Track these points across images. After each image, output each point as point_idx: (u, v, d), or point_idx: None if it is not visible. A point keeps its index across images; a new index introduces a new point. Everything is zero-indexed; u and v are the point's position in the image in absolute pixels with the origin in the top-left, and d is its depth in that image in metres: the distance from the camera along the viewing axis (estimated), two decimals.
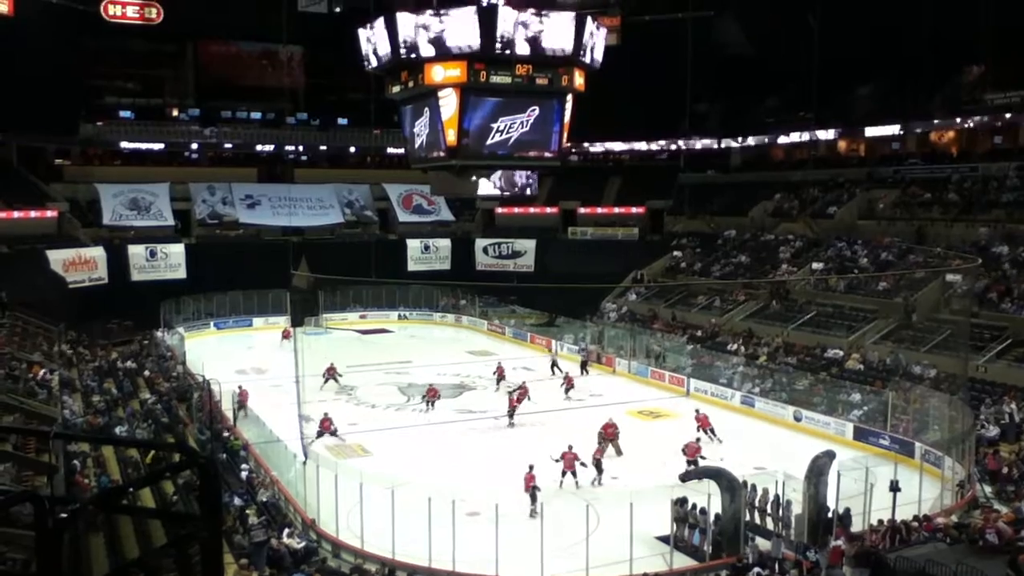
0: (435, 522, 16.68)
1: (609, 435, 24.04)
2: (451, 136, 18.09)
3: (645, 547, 17.38)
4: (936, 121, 43.54)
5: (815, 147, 50.37)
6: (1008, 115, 39.55)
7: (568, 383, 31.60)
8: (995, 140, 42.59)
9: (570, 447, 21.79)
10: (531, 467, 19.94)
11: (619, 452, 23.94)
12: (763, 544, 17.11)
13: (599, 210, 54.89)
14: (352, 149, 59.76)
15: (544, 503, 16.99)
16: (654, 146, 58.09)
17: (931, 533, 15.58)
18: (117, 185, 50.22)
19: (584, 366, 35.73)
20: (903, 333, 31.53)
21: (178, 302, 43.11)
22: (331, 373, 31.90)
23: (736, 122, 53.38)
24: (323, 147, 58.94)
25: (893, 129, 45.31)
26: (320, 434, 24.96)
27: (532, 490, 19.37)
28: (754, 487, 18.37)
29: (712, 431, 25.12)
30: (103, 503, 3.91)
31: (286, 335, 36.56)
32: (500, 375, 32.68)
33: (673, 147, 56.61)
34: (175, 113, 57.75)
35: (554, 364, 35.21)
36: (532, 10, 17.42)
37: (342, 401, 30.88)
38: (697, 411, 26.28)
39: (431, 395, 29.29)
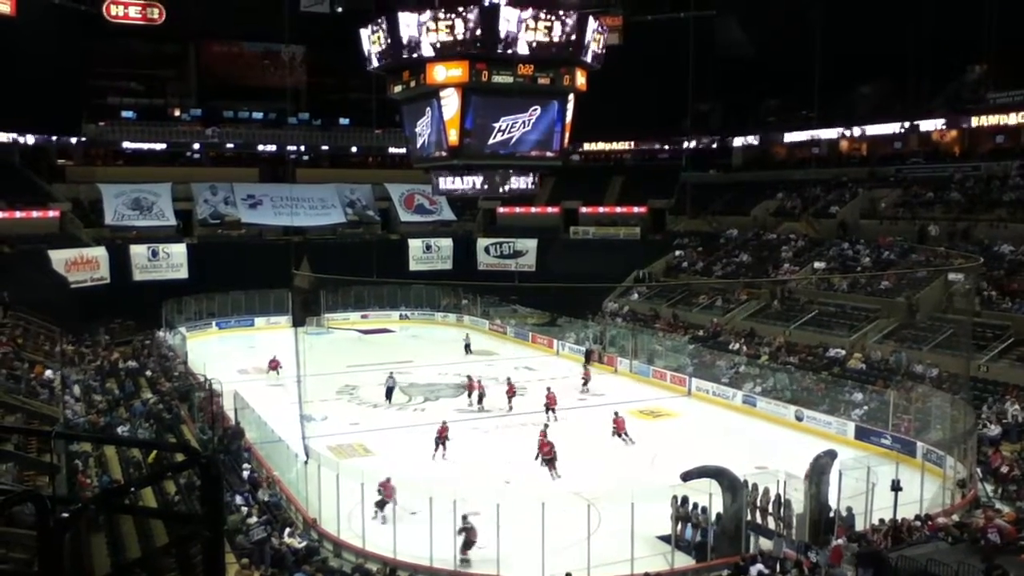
0: (436, 522, 16.70)
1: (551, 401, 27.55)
2: (453, 136, 18.11)
3: (646, 546, 17.39)
4: (938, 120, 43.47)
5: (817, 146, 50.33)
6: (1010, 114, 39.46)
7: (586, 377, 32.52)
8: (997, 139, 42.54)
9: (616, 413, 25.83)
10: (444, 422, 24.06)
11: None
12: (764, 543, 17.12)
13: (601, 210, 54.89)
14: (354, 149, 59.82)
15: (546, 503, 17.00)
16: (656, 146, 58.10)
17: (933, 532, 15.58)
18: (119, 185, 50.29)
19: (588, 357, 36.81)
20: (905, 332, 31.50)
21: (180, 302, 43.13)
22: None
23: (738, 121, 53.33)
24: (325, 147, 59.00)
25: (895, 128, 45.27)
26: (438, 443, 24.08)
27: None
28: (755, 486, 18.35)
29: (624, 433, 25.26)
30: (105, 503, 3.92)
31: (273, 366, 33.76)
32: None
33: (674, 146, 56.57)
34: (177, 113, 57.86)
35: (467, 347, 38.66)
36: (534, 10, 17.43)
37: (344, 401, 30.91)
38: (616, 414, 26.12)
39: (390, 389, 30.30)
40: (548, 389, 28.78)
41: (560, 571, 16.05)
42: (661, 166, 56.95)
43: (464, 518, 17.00)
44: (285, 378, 31.13)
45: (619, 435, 25.14)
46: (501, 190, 19.90)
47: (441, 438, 23.80)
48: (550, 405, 27.83)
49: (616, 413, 25.93)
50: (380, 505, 18.89)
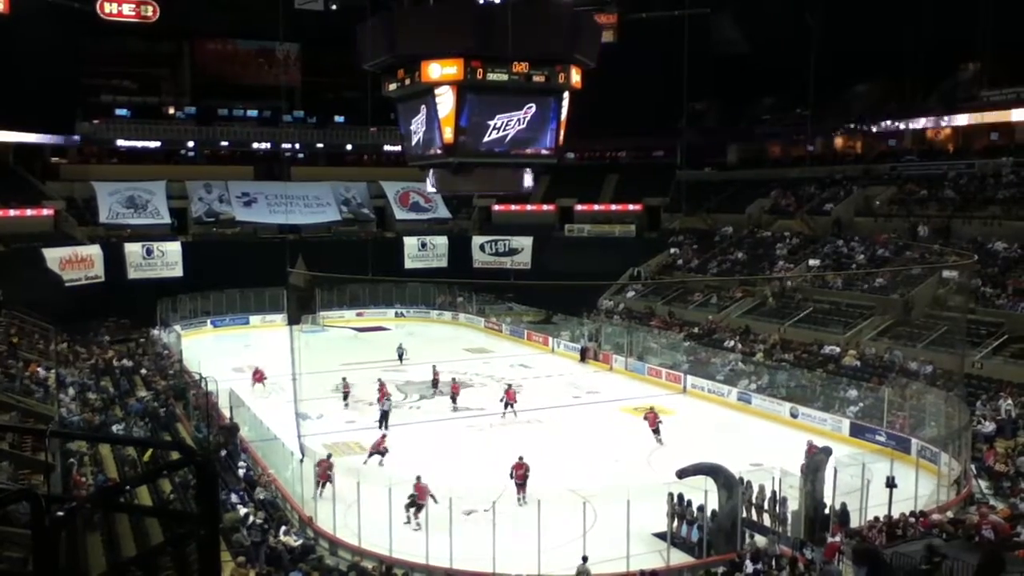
0: (432, 519, 16.70)
1: None
2: (448, 134, 18.04)
3: (642, 544, 17.42)
4: (932, 117, 43.57)
5: (812, 144, 50.36)
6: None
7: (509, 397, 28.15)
8: (991, 136, 42.65)
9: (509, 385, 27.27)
10: (520, 457, 20.66)
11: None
12: (760, 540, 17.15)
13: (596, 207, 54.91)
14: (349, 147, 59.72)
15: (542, 499, 17.01)
16: (651, 143, 58.08)
17: (927, 529, 15.62)
18: (114, 183, 50.18)
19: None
20: (900, 329, 31.59)
21: (175, 300, 43.07)
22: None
23: (733, 119, 53.34)
24: (320, 145, 58.90)
25: (889, 126, 45.32)
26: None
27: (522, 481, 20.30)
28: (751, 483, 18.41)
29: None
30: (100, 501, 3.91)
31: (258, 378, 31.99)
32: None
33: (669, 143, 56.56)
34: (171, 111, 57.71)
35: (401, 355, 36.69)
36: (529, 7, 17.41)
37: (339, 399, 30.85)
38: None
39: (454, 391, 29.89)
40: (453, 379, 30.65)
41: (556, 569, 16.08)
42: (656, 164, 56.96)
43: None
44: (271, 387, 30.92)
45: (508, 406, 27.47)
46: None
47: (521, 480, 20.30)
48: (454, 394, 29.35)
49: (509, 385, 28.18)
50: (411, 507, 18.08)
